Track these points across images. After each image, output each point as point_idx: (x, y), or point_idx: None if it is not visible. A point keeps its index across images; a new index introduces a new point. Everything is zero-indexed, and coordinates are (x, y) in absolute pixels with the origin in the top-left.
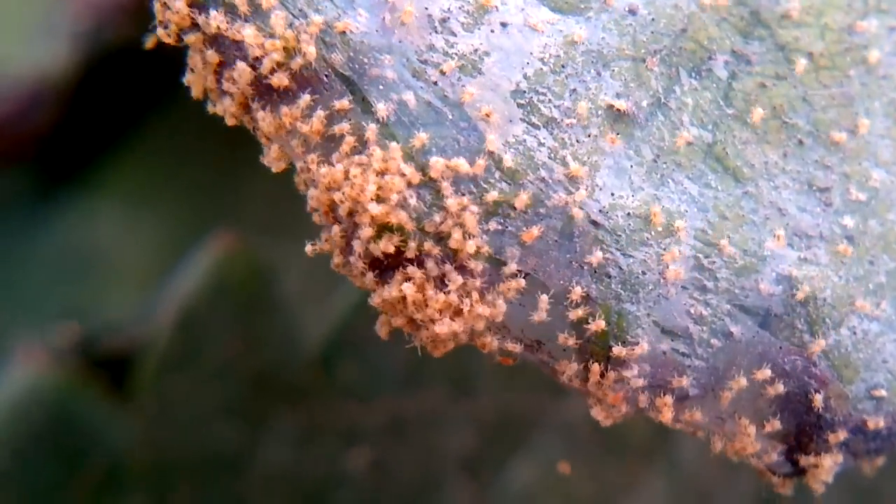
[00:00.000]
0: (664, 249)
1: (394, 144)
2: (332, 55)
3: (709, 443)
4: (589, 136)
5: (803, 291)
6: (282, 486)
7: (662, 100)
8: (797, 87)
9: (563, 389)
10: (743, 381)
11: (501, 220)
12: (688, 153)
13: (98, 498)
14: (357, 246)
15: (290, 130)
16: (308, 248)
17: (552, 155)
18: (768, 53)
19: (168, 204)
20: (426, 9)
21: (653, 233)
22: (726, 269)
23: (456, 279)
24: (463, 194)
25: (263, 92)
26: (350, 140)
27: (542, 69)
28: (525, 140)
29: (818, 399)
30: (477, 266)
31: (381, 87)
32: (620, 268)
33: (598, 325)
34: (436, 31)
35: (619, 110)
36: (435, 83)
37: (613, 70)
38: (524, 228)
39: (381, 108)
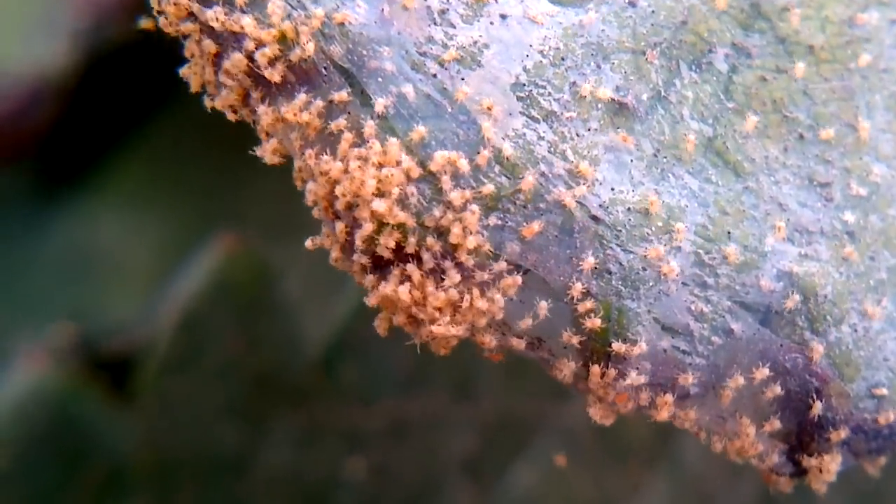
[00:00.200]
0: (665, 245)
1: (393, 138)
2: (330, 47)
3: (710, 443)
4: (589, 129)
5: (793, 300)
6: (283, 487)
7: (662, 93)
8: (798, 80)
9: (565, 393)
10: (740, 380)
11: (501, 216)
12: (688, 147)
13: (100, 499)
14: (357, 241)
15: (289, 124)
16: (308, 242)
17: (552, 149)
18: (769, 46)
19: (170, 205)
20: (425, 0)
21: (653, 228)
22: (727, 266)
23: (455, 275)
24: (463, 188)
25: (262, 84)
26: (348, 133)
27: (541, 62)
28: (525, 134)
29: (817, 407)
30: (477, 262)
31: (379, 79)
32: (621, 264)
33: (594, 322)
34: (435, 23)
35: (619, 103)
36: (434, 76)
37: (613, 63)
38: (524, 224)
39: (380, 101)
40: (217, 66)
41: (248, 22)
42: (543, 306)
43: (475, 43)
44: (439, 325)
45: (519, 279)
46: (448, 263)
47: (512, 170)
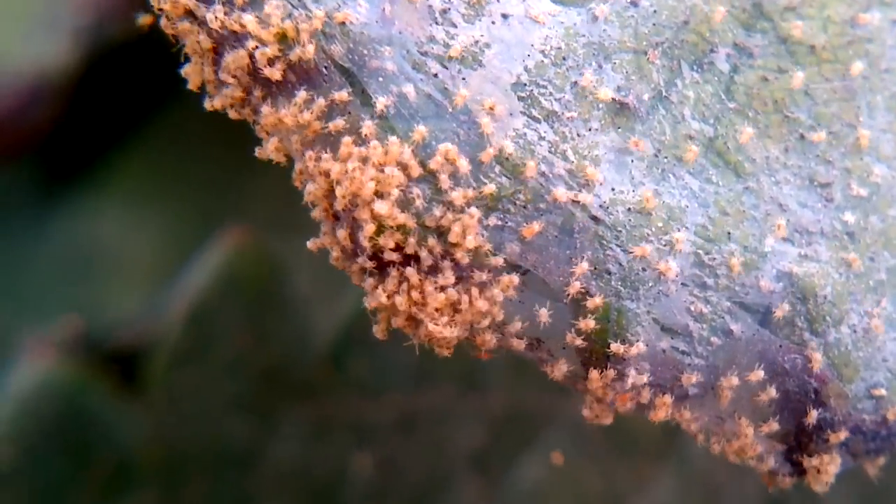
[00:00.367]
0: (664, 246)
1: (393, 138)
2: (331, 46)
3: (709, 444)
4: (590, 129)
5: (781, 309)
6: (291, 481)
7: (664, 93)
8: (799, 81)
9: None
10: (734, 380)
11: (501, 216)
12: (689, 147)
13: (108, 493)
14: (356, 242)
15: (290, 126)
16: (310, 243)
17: (553, 149)
18: (770, 46)
19: (172, 201)
20: None
21: (653, 229)
22: (727, 266)
23: (455, 276)
24: (463, 188)
25: (262, 83)
26: (349, 133)
27: (543, 61)
28: (525, 134)
29: (812, 416)
30: (476, 262)
31: (380, 79)
32: (620, 264)
33: (588, 324)
34: (436, 23)
35: (620, 103)
36: (435, 75)
37: (615, 63)
38: (524, 224)
39: (381, 101)
40: (217, 65)
41: (249, 20)
42: (544, 313)
43: (476, 42)
44: (439, 325)
45: (517, 279)
46: (447, 264)
47: (512, 170)
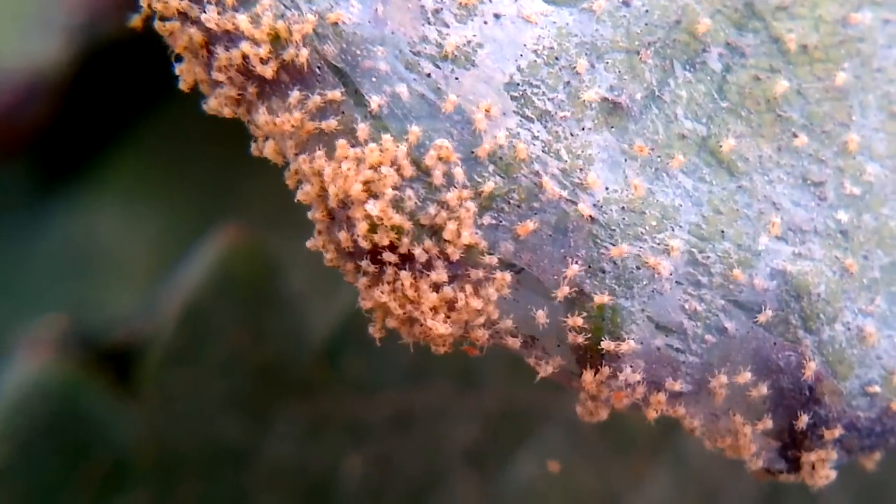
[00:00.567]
0: (659, 244)
1: (387, 137)
2: (324, 46)
3: (703, 441)
4: (583, 129)
5: (765, 315)
6: (287, 479)
7: (657, 92)
8: (791, 79)
9: None
10: (723, 379)
11: (495, 215)
12: (682, 147)
13: (102, 492)
14: (350, 242)
15: (283, 129)
16: (309, 242)
17: (546, 148)
18: (763, 46)
19: (169, 199)
20: None
21: (647, 227)
22: (720, 264)
23: (450, 274)
24: (457, 187)
25: (255, 82)
26: (342, 133)
27: (535, 61)
28: (519, 133)
29: (803, 420)
30: (470, 261)
31: (373, 79)
32: (615, 262)
33: (575, 321)
34: (429, 23)
35: (613, 103)
36: (428, 75)
37: (607, 62)
38: (518, 223)
39: (374, 101)
40: (209, 65)
41: (242, 19)
42: (542, 315)
43: (469, 42)
44: (434, 324)
45: (512, 278)
46: (442, 262)
47: (506, 169)
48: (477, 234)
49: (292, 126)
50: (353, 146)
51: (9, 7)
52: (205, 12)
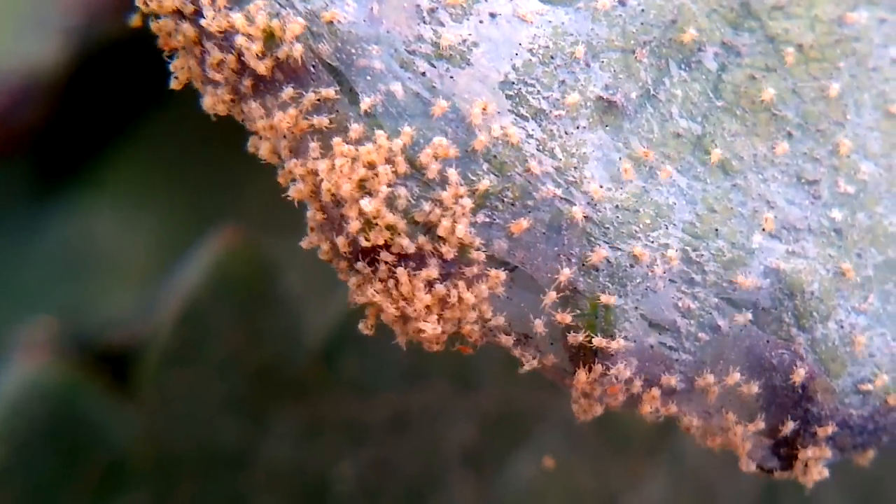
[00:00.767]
0: (652, 242)
1: (381, 135)
2: (319, 45)
3: (696, 439)
4: (578, 127)
5: (744, 316)
6: (284, 480)
7: (652, 91)
8: (787, 78)
9: None
10: (710, 378)
11: (489, 213)
12: (676, 145)
13: (100, 493)
14: (344, 239)
15: (279, 129)
16: (304, 241)
17: (541, 147)
18: (758, 45)
19: (166, 201)
20: None
21: (641, 225)
22: (714, 262)
23: (443, 272)
24: (451, 185)
25: (250, 81)
26: (336, 131)
27: (530, 60)
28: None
29: (788, 426)
30: (464, 258)
31: (368, 77)
32: (608, 260)
33: (564, 318)
34: (424, 22)
35: (608, 102)
36: (423, 74)
37: (603, 61)
38: (512, 221)
39: (368, 99)
40: (204, 63)
41: (237, 17)
42: (539, 324)
43: (464, 41)
44: (427, 322)
45: (505, 276)
46: (436, 260)
47: (500, 167)
48: (471, 231)
49: (286, 124)
50: (347, 144)
51: (3, 7)
52: (200, 10)
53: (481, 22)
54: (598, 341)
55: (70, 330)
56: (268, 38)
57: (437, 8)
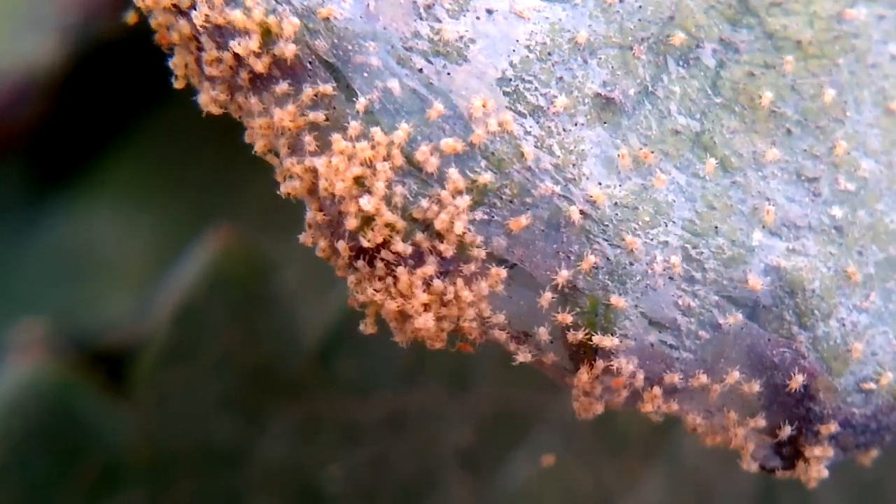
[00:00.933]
0: (652, 240)
1: (378, 132)
2: (315, 42)
3: (698, 437)
4: (576, 124)
5: (735, 318)
6: (280, 480)
7: (650, 88)
8: (786, 75)
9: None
10: (703, 378)
11: (488, 210)
12: (675, 142)
13: (96, 493)
14: (342, 238)
15: (276, 127)
16: (302, 237)
17: (539, 144)
18: (757, 42)
19: (163, 201)
20: None
21: (640, 223)
22: (714, 260)
23: (441, 269)
24: (449, 182)
25: (246, 77)
26: (333, 128)
27: (528, 57)
28: (511, 129)
29: (786, 430)
30: (462, 256)
31: (365, 74)
32: (608, 258)
33: (565, 318)
34: (421, 18)
35: (606, 98)
36: (420, 70)
37: (600, 58)
38: (511, 218)
39: (365, 96)
40: (201, 61)
41: (234, 13)
42: (544, 332)
43: (461, 38)
44: (426, 320)
45: (505, 273)
46: (434, 257)
47: (498, 164)
48: (470, 229)
49: (283, 121)
50: (344, 141)
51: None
52: (195, 5)
53: (478, 18)
54: (598, 339)
55: (67, 330)
56: (265, 34)
57: (434, 4)
